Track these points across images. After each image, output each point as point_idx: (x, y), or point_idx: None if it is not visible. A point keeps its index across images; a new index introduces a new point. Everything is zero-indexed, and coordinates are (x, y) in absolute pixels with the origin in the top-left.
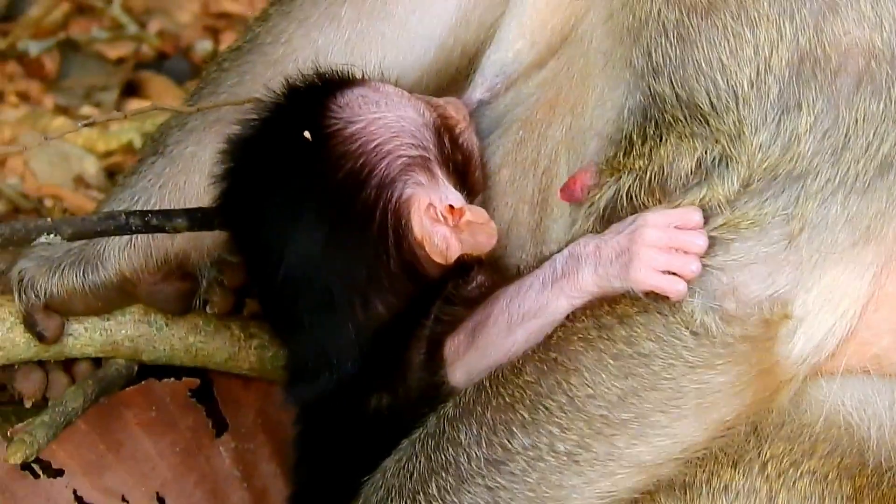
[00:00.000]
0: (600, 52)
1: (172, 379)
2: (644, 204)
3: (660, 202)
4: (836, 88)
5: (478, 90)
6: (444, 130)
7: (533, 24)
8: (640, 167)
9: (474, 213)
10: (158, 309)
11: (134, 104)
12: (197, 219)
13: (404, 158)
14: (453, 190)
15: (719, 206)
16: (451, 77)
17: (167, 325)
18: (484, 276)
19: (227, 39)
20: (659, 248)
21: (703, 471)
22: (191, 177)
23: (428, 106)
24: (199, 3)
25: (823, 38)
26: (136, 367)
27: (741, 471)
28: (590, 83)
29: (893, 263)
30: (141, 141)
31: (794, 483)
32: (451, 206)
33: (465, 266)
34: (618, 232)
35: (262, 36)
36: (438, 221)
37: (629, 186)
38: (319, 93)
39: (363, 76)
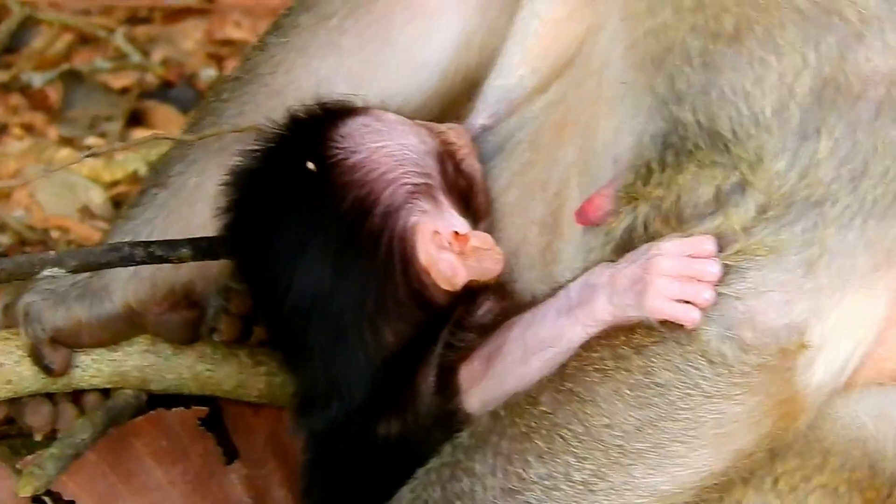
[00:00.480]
0: (618, 79)
1: (182, 408)
2: (660, 232)
3: (675, 231)
4: (855, 115)
5: (480, 116)
6: (446, 157)
7: (535, 50)
8: (658, 196)
9: (480, 239)
10: (166, 338)
11: (139, 134)
12: (201, 248)
13: (408, 186)
14: (458, 216)
15: (735, 234)
16: (455, 102)
17: (175, 354)
18: (493, 302)
19: (231, 67)
20: (672, 277)
21: (716, 489)
22: (194, 207)
23: (430, 133)
24: (202, 31)
25: (846, 65)
26: (145, 397)
27: (753, 487)
28: (602, 107)
29: None
30: (146, 170)
31: (806, 497)
32: (457, 233)
33: (473, 292)
34: (632, 261)
35: (262, 66)
36: (444, 248)
37: (646, 215)
38: (321, 123)
39: (365, 105)
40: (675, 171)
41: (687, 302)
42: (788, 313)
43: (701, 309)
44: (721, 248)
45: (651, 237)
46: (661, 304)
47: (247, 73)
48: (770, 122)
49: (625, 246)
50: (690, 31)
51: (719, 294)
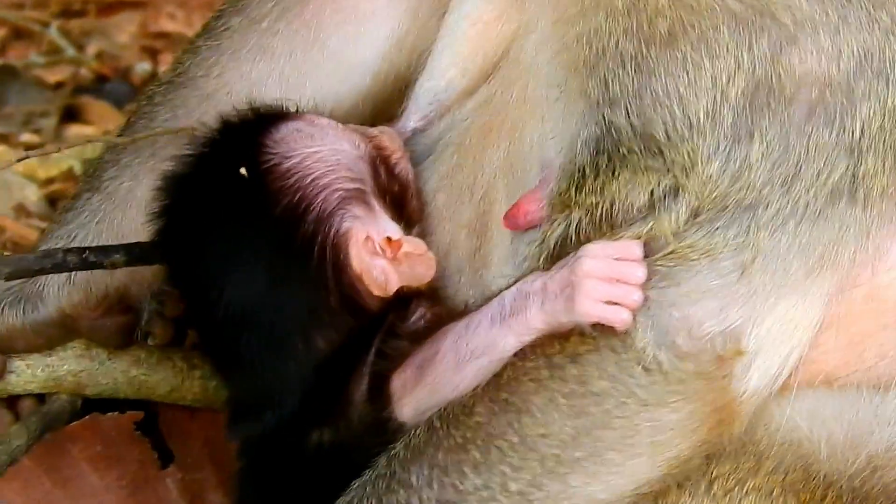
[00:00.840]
0: (548, 82)
1: (117, 413)
2: (593, 239)
3: (608, 237)
4: (788, 117)
5: (411, 119)
6: (379, 161)
7: (464, 52)
8: (591, 203)
9: (412, 245)
10: (100, 343)
11: (74, 130)
12: (135, 254)
13: (341, 192)
14: (390, 221)
15: (667, 238)
16: (387, 104)
17: (110, 358)
18: (425, 309)
19: (166, 60)
20: (599, 279)
21: (650, 494)
22: (128, 212)
23: (363, 137)
24: (136, 24)
25: (779, 67)
26: (80, 402)
27: (687, 492)
28: (530, 110)
29: (845, 288)
30: (81, 167)
31: (740, 501)
32: (389, 239)
33: (405, 298)
34: (561, 267)
35: (193, 69)
36: (376, 254)
37: (579, 222)
38: (254, 128)
39: (297, 110)
40: (608, 178)
41: (617, 304)
42: (724, 320)
43: (630, 310)
44: (654, 253)
45: (584, 244)
46: (590, 306)
47: (179, 76)
48: (703, 126)
49: (558, 254)
50: (624, 34)
51: (654, 301)
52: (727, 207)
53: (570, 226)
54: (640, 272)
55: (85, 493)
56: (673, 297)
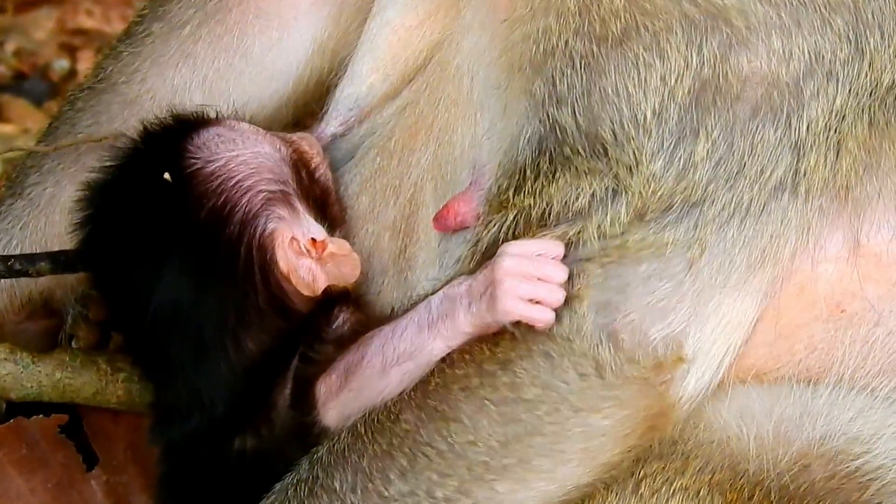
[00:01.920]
0: (485, 85)
1: (41, 416)
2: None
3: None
4: (733, 115)
5: (332, 124)
6: (300, 165)
7: (386, 58)
8: (528, 204)
9: (337, 245)
10: (25, 347)
11: None
12: (60, 262)
13: (265, 193)
14: (315, 223)
15: (604, 238)
16: (309, 107)
17: (34, 362)
18: (349, 313)
19: (84, 58)
20: (520, 277)
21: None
22: (51, 218)
23: (283, 142)
24: (54, 20)
25: (727, 67)
26: (4, 406)
27: (614, 492)
28: (461, 112)
29: (780, 282)
30: (2, 169)
31: (667, 501)
32: (314, 239)
33: (331, 301)
34: (485, 267)
35: (115, 75)
36: (302, 254)
37: (514, 223)
38: (175, 134)
39: (218, 115)
40: (548, 180)
41: (539, 303)
42: (668, 325)
43: (553, 309)
44: (592, 253)
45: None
46: (511, 304)
47: (101, 82)
48: (650, 124)
49: (490, 255)
50: (575, 34)
51: (595, 303)
52: (673, 206)
53: (503, 227)
54: (560, 271)
55: (10, 496)
56: (616, 300)
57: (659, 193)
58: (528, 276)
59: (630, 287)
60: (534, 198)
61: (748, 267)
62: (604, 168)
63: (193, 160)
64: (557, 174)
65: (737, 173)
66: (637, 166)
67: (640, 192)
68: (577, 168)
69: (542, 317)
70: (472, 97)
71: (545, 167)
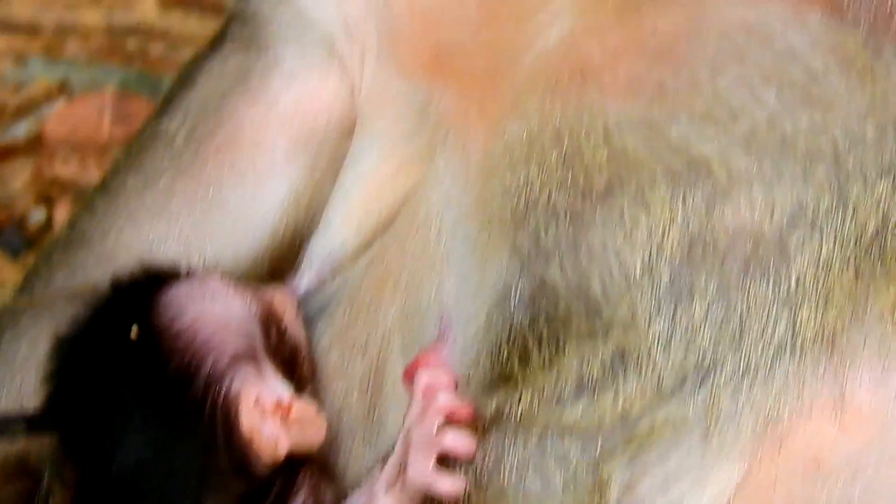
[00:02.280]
0: (455, 236)
1: None
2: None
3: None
4: (725, 272)
5: (305, 277)
6: (271, 322)
7: (360, 210)
8: (538, 379)
9: (302, 408)
10: None
11: None
12: (36, 423)
13: (231, 353)
14: (281, 384)
15: (627, 413)
16: (285, 259)
17: None
18: (315, 478)
19: (61, 207)
20: (425, 447)
21: None
22: (26, 377)
23: (255, 297)
24: (29, 171)
25: (713, 221)
26: None
27: None
28: (429, 263)
29: (770, 442)
30: None
31: None
32: (279, 402)
33: (295, 464)
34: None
35: (91, 230)
36: (266, 417)
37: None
38: (145, 290)
39: (188, 271)
40: (556, 350)
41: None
42: (667, 499)
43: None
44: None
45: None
46: (420, 474)
47: (76, 236)
48: (641, 281)
49: None
50: (557, 188)
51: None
52: (687, 376)
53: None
54: (468, 440)
55: None
56: (634, 480)
57: (671, 361)
58: (436, 445)
59: (648, 467)
60: (544, 372)
61: (753, 432)
62: (601, 328)
63: (160, 318)
64: (563, 342)
65: (740, 334)
66: (634, 327)
67: (648, 356)
68: (579, 331)
69: (452, 486)
70: (439, 248)
71: (544, 332)
